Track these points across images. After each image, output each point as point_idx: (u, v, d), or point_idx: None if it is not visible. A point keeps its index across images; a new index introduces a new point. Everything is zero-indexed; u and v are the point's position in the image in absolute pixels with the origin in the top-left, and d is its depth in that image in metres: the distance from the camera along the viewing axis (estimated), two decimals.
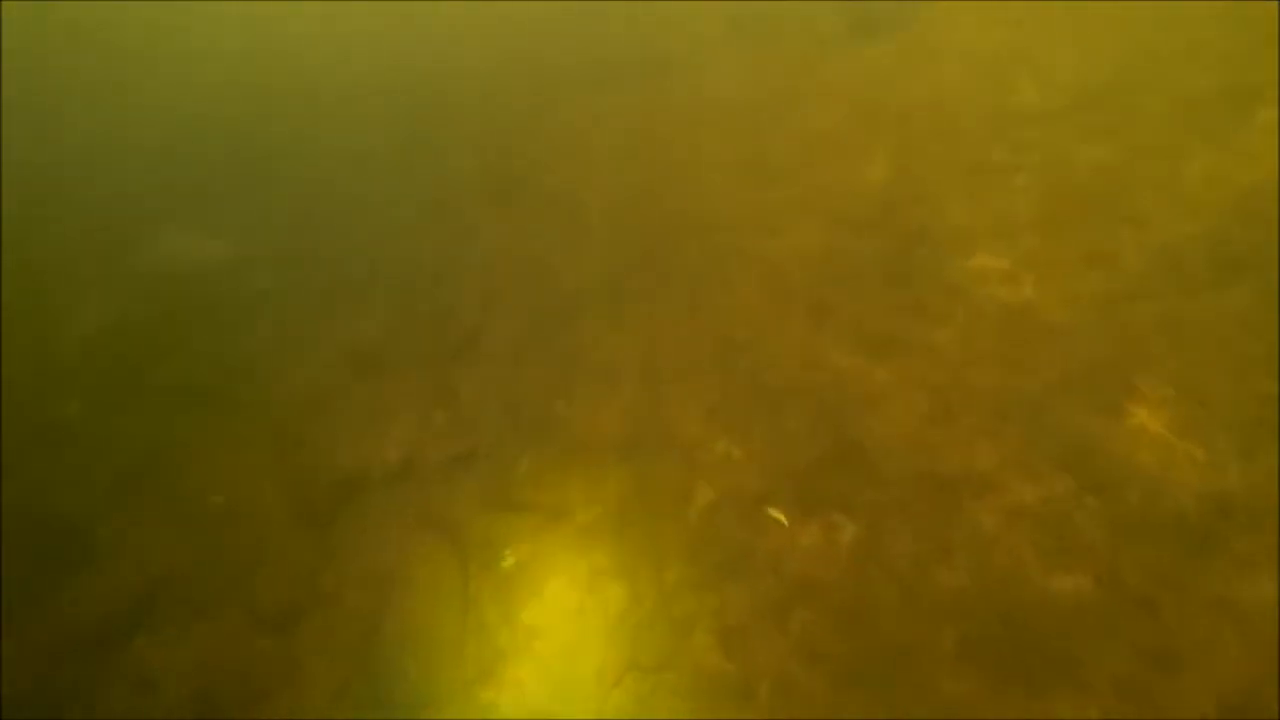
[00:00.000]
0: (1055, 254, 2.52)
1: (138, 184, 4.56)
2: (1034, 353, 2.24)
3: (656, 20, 5.45)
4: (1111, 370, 2.12)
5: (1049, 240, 2.57)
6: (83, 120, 5.44)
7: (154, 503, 2.44)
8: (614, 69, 4.92)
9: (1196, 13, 3.79)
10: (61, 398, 2.95)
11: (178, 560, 2.23)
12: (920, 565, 1.84)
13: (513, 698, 1.77)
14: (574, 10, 5.98)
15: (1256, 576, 1.65)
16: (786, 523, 2.05)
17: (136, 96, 5.72)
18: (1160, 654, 1.58)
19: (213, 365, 3.05)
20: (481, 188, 3.95)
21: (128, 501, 2.45)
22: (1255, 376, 2.05)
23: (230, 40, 6.32)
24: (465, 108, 4.83)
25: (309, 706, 1.82)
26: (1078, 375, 2.14)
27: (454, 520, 2.20)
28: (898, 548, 1.89)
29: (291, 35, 6.25)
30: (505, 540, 2.13)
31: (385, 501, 2.31)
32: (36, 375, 3.08)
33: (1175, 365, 2.12)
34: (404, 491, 2.34)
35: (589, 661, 1.80)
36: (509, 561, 2.10)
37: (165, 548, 2.28)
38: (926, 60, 4.03)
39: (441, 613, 2.00)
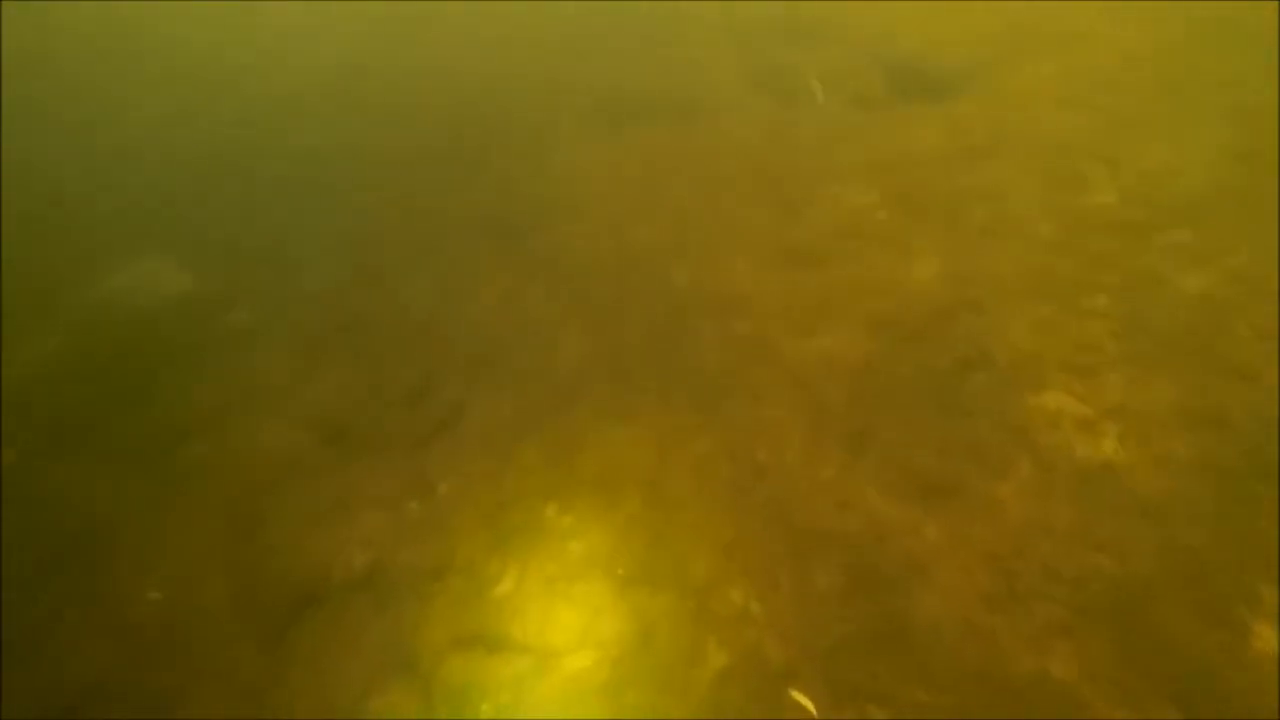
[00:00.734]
0: (1145, 403, 2.14)
1: (101, 201, 4.22)
2: (1122, 531, 1.84)
3: (677, 61, 5.15)
4: (1226, 569, 1.71)
5: (1136, 385, 2.19)
6: (44, 125, 5.09)
7: (81, 595, 2.09)
8: (629, 109, 4.61)
9: None
10: None
11: (105, 671, 1.88)
12: None
13: None
14: (590, 35, 5.74)
15: None
16: (815, 713, 1.65)
17: (109, 99, 5.44)
18: None
19: (165, 420, 2.71)
20: (476, 233, 3.63)
21: (49, 592, 2.10)
22: None
23: (223, 50, 6.16)
24: (466, 138, 4.56)
25: None
26: (1181, 570, 1.74)
27: (422, 655, 1.84)
28: None
29: (280, 40, 6.08)
30: (481, 686, 1.76)
31: (346, 618, 1.96)
32: None
33: None
34: (368, 607, 1.99)
35: None
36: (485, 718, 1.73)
37: (90, 655, 1.93)
38: (983, 139, 3.65)
39: None
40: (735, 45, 5.27)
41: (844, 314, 2.73)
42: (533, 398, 2.62)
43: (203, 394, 2.81)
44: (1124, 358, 2.29)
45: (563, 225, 3.57)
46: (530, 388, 2.67)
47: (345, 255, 3.59)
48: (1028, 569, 1.82)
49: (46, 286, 3.51)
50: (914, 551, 1.91)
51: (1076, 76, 4.10)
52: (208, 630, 1.96)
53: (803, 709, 1.67)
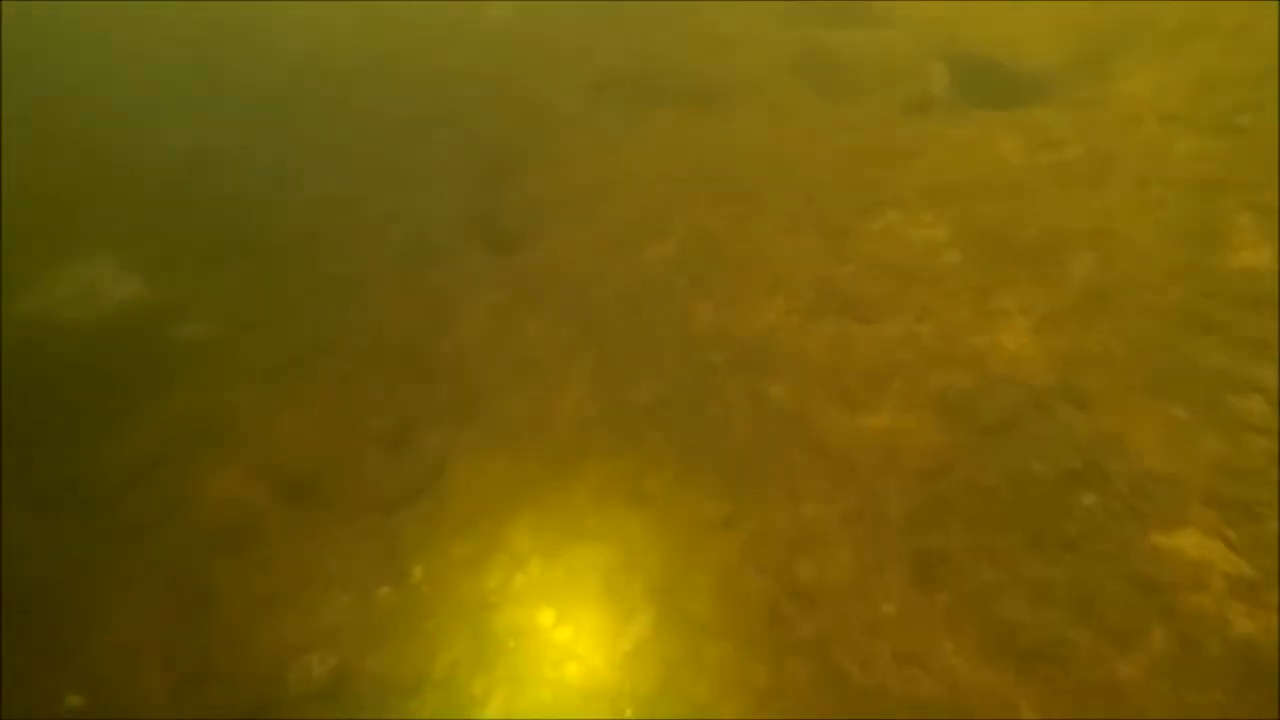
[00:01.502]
0: None
1: (49, 194, 3.91)
2: None
3: (703, 35, 4.53)
4: None
5: None
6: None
7: None
8: (642, 91, 4.09)
9: None
10: None
11: None
12: None
13: None
14: (612, 10, 5.12)
15: None
16: None
17: (73, 77, 5.21)
18: None
19: (104, 464, 2.46)
20: (468, 242, 3.28)
21: None
22: None
23: (207, 36, 5.85)
24: (465, 119, 4.19)
25: None
26: None
27: None
28: None
29: (274, 35, 5.85)
30: None
31: None
32: None
33: None
34: None
35: None
36: None
37: None
38: (1081, 163, 2.89)
39: None
40: (773, 20, 4.51)
41: (906, 388, 2.24)
42: (526, 461, 2.28)
43: (147, 429, 2.55)
44: None
45: (568, 233, 3.17)
46: (523, 446, 2.32)
47: (320, 266, 3.24)
48: None
49: None
50: None
51: (1198, 85, 3.15)
52: None
53: None
